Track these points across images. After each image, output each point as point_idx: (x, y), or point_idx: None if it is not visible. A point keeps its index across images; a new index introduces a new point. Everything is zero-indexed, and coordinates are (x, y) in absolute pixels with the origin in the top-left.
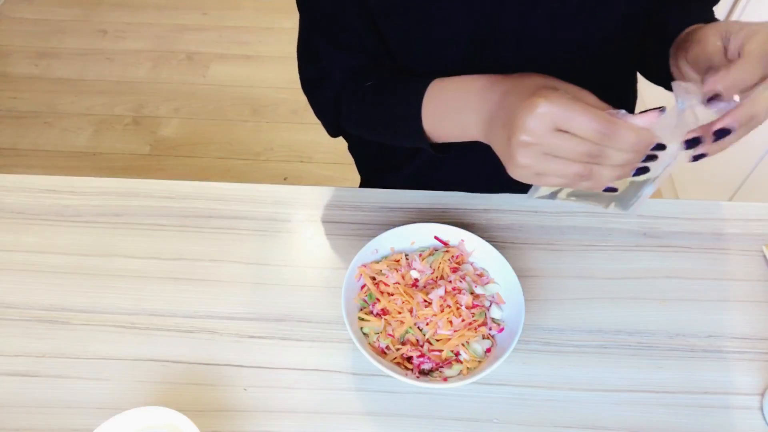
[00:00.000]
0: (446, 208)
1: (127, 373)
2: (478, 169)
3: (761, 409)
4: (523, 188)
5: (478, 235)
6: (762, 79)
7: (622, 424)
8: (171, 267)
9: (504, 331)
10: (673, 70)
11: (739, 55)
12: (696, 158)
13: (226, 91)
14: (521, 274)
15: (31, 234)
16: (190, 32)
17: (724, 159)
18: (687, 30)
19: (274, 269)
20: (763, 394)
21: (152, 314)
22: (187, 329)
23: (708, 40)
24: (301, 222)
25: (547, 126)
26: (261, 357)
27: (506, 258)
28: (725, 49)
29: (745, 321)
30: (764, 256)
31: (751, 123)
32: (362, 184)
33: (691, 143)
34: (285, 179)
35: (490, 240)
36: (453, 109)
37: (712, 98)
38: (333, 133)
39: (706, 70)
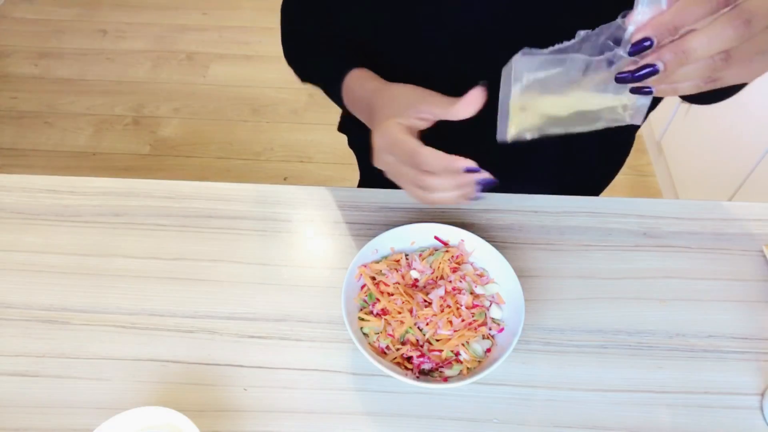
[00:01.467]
0: (446, 208)
1: (127, 373)
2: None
3: (761, 409)
4: (520, 188)
5: (478, 235)
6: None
7: (622, 424)
8: (171, 267)
9: (504, 331)
10: None
11: None
12: (625, 75)
13: (226, 91)
14: (521, 274)
15: (31, 234)
16: (190, 32)
17: (724, 159)
18: None
19: (274, 269)
20: (763, 394)
21: (152, 314)
22: (187, 329)
23: None
24: (301, 222)
25: (383, 153)
26: (261, 357)
27: (506, 258)
28: None
29: (745, 321)
30: (764, 256)
31: (681, 48)
32: (361, 182)
33: (636, 49)
34: (285, 179)
35: (490, 240)
36: (358, 103)
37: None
38: (302, 79)
39: None
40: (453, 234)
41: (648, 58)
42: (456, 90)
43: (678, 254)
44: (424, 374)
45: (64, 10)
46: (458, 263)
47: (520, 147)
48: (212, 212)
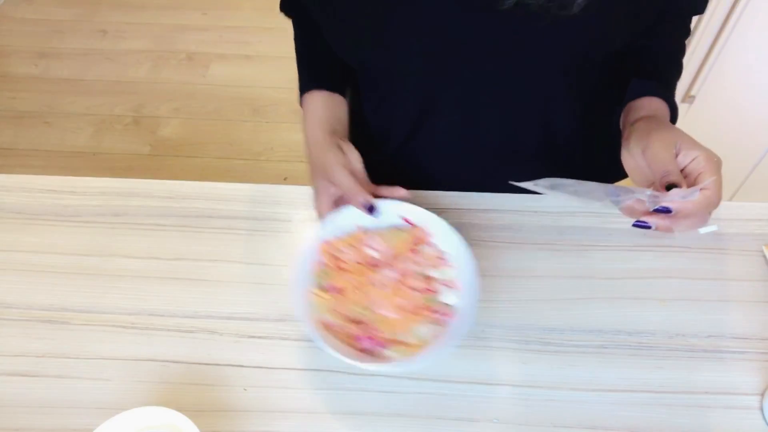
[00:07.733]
0: (445, 208)
1: (127, 373)
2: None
3: (761, 409)
4: (514, 188)
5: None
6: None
7: (622, 424)
8: (171, 267)
9: (457, 317)
10: (624, 143)
11: (696, 181)
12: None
13: (226, 91)
14: (521, 274)
15: (31, 234)
16: (190, 32)
17: (723, 159)
18: (638, 108)
19: (274, 269)
20: (763, 394)
21: (152, 314)
22: (187, 329)
23: (662, 157)
24: (301, 222)
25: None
26: (261, 357)
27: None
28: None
29: (745, 321)
30: (764, 256)
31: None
32: None
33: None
34: (285, 179)
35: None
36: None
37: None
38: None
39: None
40: (419, 215)
41: (649, 218)
42: (419, 98)
43: (678, 254)
44: (367, 353)
45: (64, 10)
46: (418, 245)
47: (501, 154)
48: (212, 212)
